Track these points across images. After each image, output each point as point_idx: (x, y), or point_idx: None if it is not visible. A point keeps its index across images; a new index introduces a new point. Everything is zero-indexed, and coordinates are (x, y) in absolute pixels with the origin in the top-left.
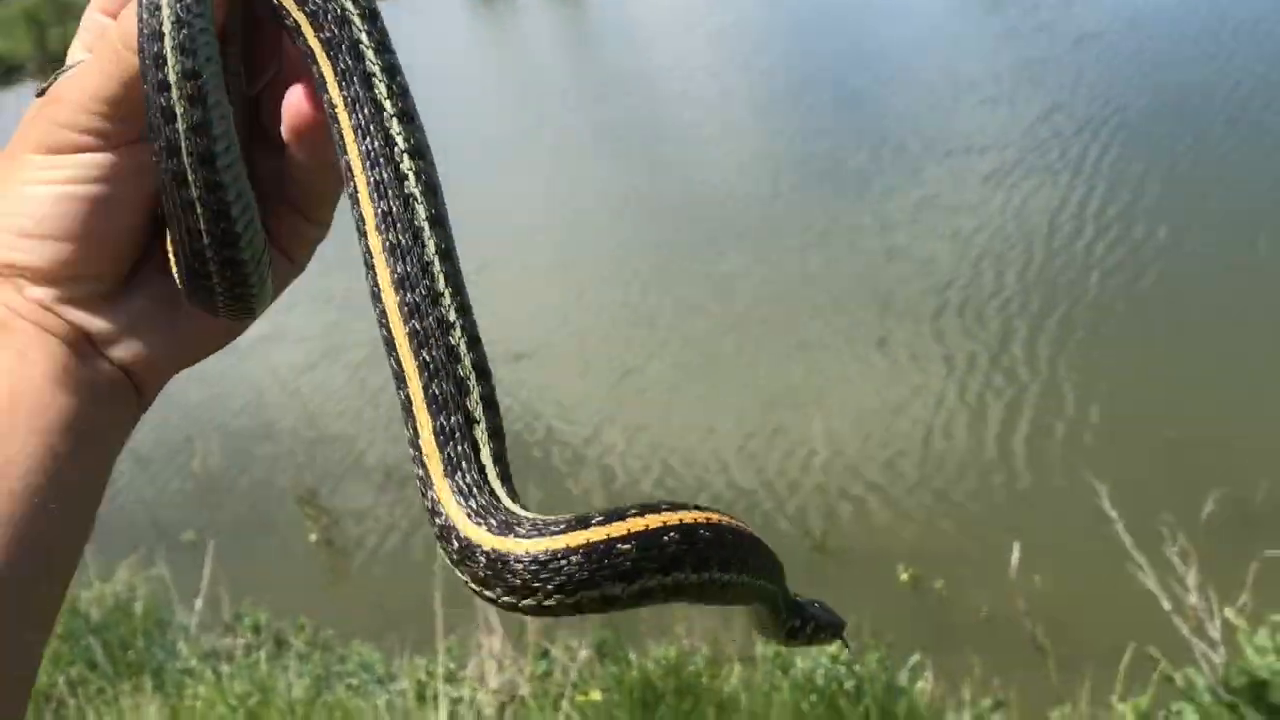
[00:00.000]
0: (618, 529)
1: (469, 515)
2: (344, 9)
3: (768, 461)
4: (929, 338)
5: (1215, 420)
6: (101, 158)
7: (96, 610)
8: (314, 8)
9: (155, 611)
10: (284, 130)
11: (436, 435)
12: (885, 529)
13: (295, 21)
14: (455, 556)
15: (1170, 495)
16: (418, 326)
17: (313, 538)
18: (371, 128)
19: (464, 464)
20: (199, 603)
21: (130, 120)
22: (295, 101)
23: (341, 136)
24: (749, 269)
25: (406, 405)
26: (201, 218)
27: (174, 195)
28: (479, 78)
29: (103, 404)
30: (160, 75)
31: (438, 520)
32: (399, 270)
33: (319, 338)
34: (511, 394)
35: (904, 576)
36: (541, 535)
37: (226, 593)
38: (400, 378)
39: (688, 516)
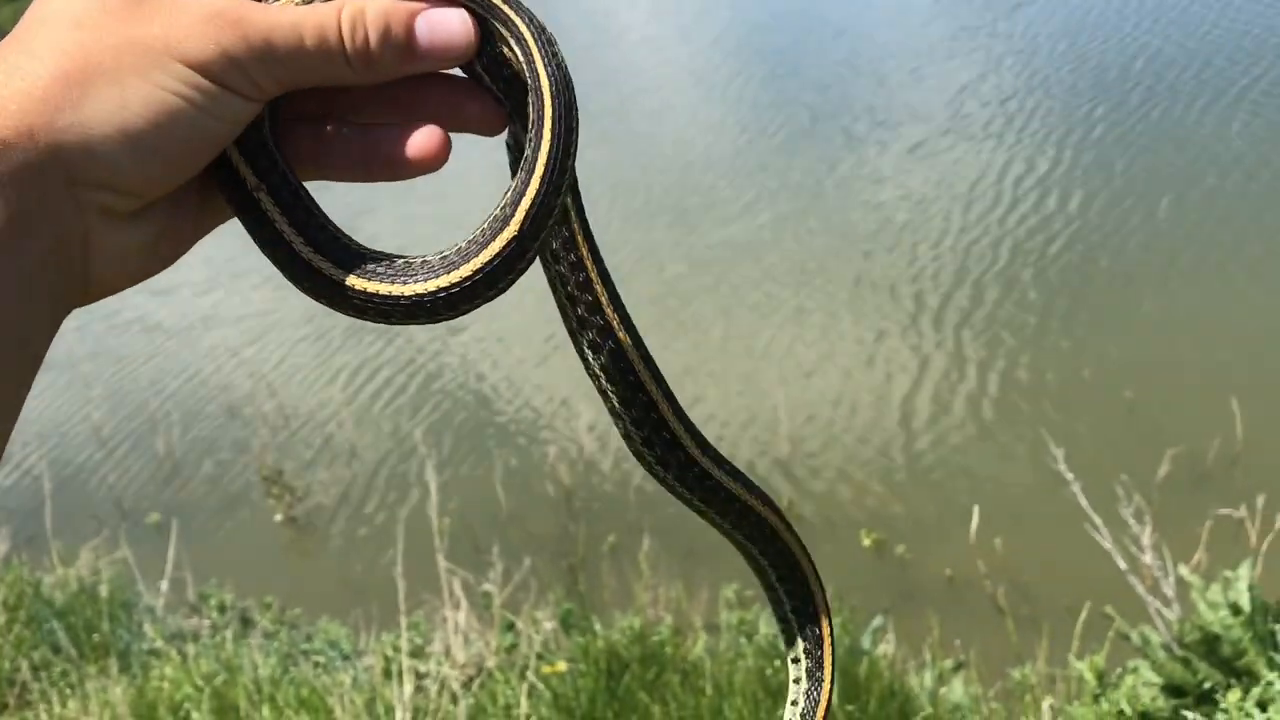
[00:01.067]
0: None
1: None
2: None
3: (730, 431)
4: (888, 305)
5: (1169, 380)
6: (241, 107)
7: (60, 594)
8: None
9: (120, 594)
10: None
11: None
12: (848, 496)
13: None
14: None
15: (1126, 456)
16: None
17: (278, 517)
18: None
19: None
20: (164, 584)
21: (286, 89)
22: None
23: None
24: (704, 240)
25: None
26: None
27: None
28: None
29: (57, 304)
30: None
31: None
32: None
33: (272, 313)
34: (473, 372)
35: (866, 542)
36: None
37: (191, 574)
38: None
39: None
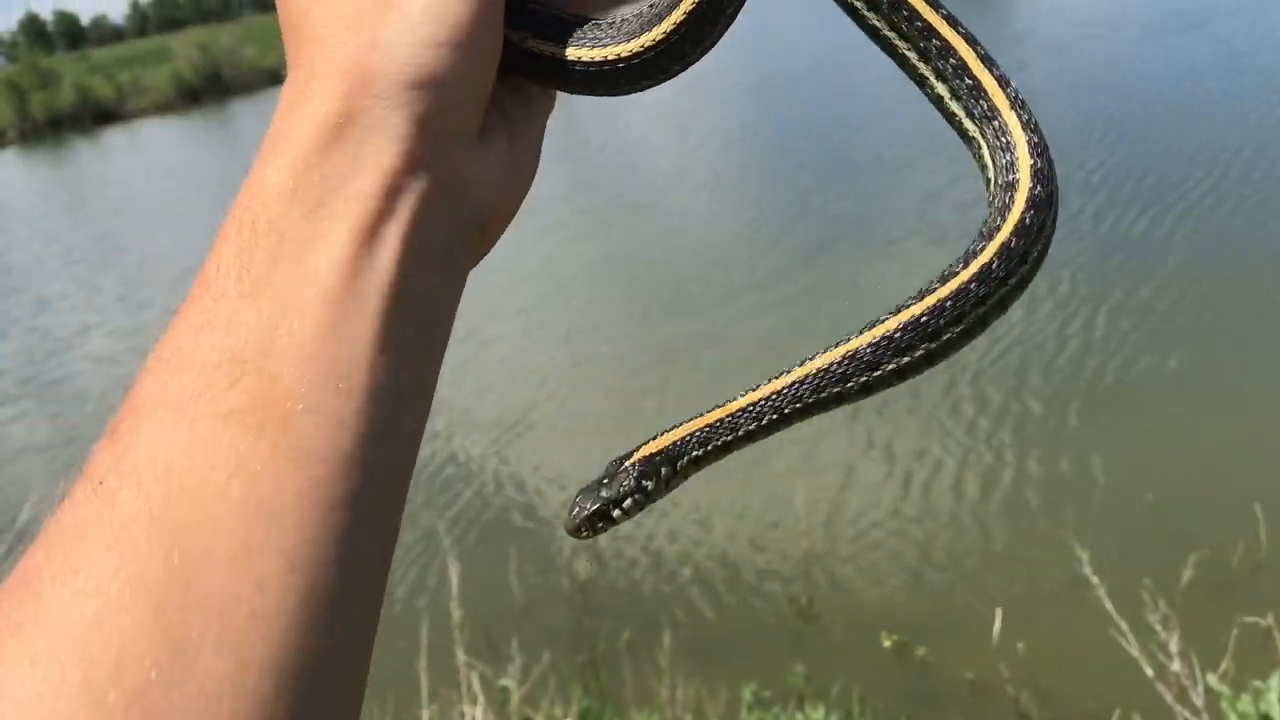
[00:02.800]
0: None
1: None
2: None
3: (750, 529)
4: (906, 405)
5: (1190, 484)
6: None
7: None
8: None
9: None
10: None
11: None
12: (868, 596)
13: None
14: None
15: (1150, 560)
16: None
17: None
18: None
19: None
20: None
21: None
22: None
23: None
24: (729, 332)
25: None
26: None
27: None
28: None
29: (458, 254)
30: None
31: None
32: None
33: None
34: (495, 461)
35: (887, 644)
36: None
37: None
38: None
39: None
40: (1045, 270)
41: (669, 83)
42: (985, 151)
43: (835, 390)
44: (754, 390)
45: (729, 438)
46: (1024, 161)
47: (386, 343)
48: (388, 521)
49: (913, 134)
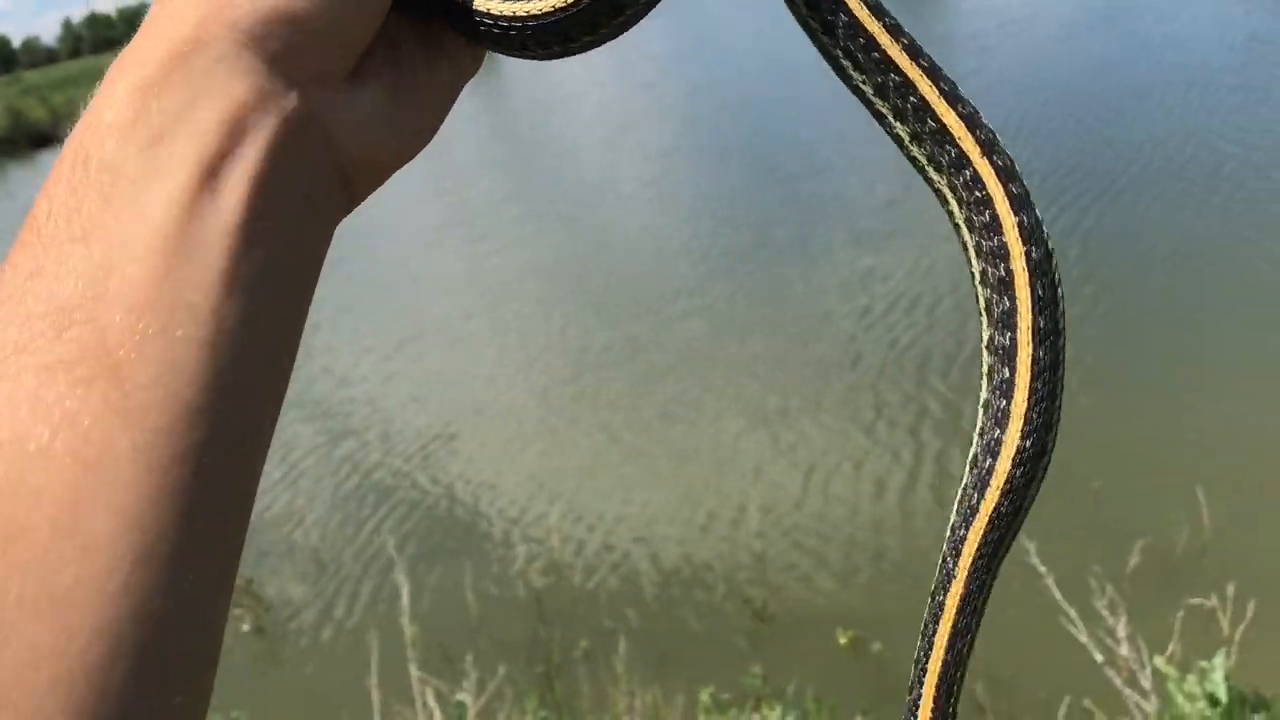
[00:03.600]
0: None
1: None
2: None
3: (704, 531)
4: (856, 401)
5: (1135, 471)
6: None
7: None
8: None
9: None
10: None
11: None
12: (822, 595)
13: None
14: None
15: (1097, 547)
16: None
17: (245, 627)
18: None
19: None
20: None
21: None
22: None
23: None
24: (676, 339)
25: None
26: None
27: None
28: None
29: (319, 202)
30: None
31: None
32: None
33: None
34: (438, 473)
35: (843, 640)
36: None
37: None
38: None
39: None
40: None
41: (603, 92)
42: (956, 208)
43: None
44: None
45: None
46: (1008, 222)
47: (232, 289)
48: (240, 479)
49: (841, 138)
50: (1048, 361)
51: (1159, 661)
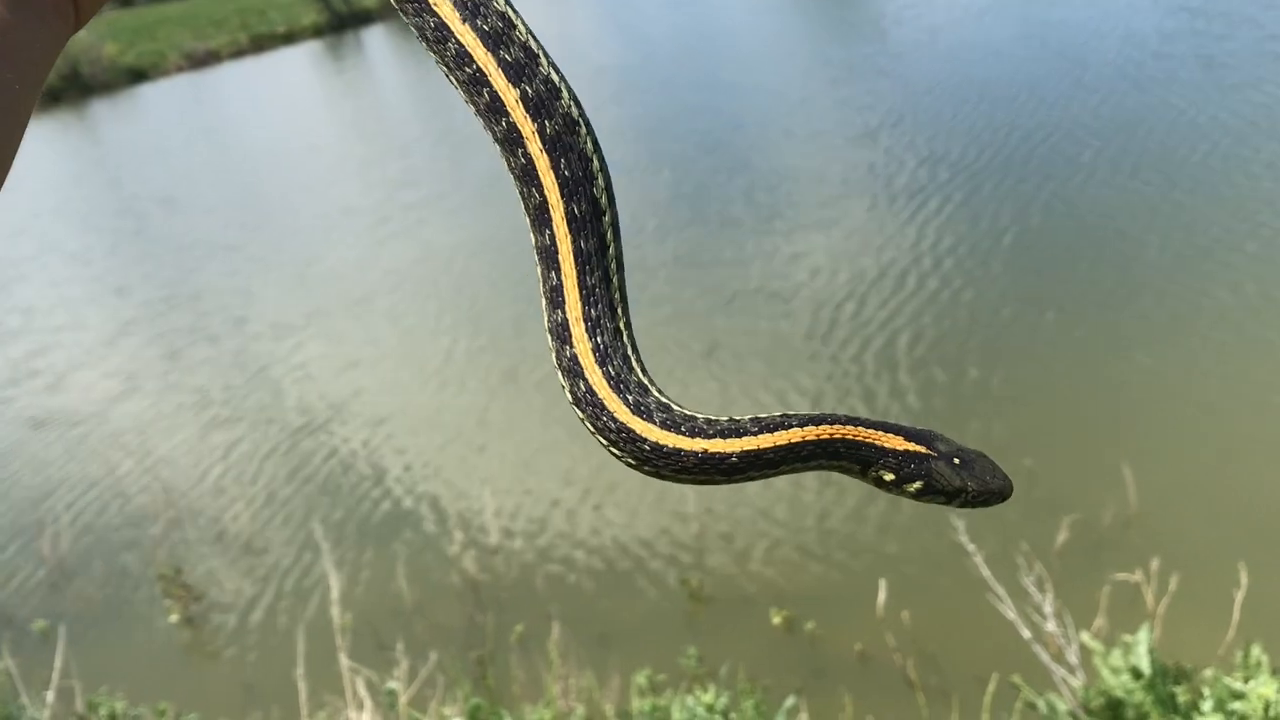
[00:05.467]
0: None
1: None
2: None
3: (638, 514)
4: (792, 383)
5: (1063, 449)
6: None
7: None
8: None
9: (2, 708)
10: None
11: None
12: (757, 575)
13: None
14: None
15: (1025, 524)
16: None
17: (174, 618)
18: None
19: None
20: (50, 695)
21: None
22: None
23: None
24: None
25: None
26: None
27: None
28: (332, 130)
29: (44, 18)
30: None
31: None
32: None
33: (163, 405)
34: (370, 461)
35: (776, 620)
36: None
37: (80, 682)
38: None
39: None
40: (911, 247)
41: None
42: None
43: None
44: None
45: None
46: (509, 98)
47: None
48: None
49: (771, 116)
50: (593, 249)
51: (1085, 636)
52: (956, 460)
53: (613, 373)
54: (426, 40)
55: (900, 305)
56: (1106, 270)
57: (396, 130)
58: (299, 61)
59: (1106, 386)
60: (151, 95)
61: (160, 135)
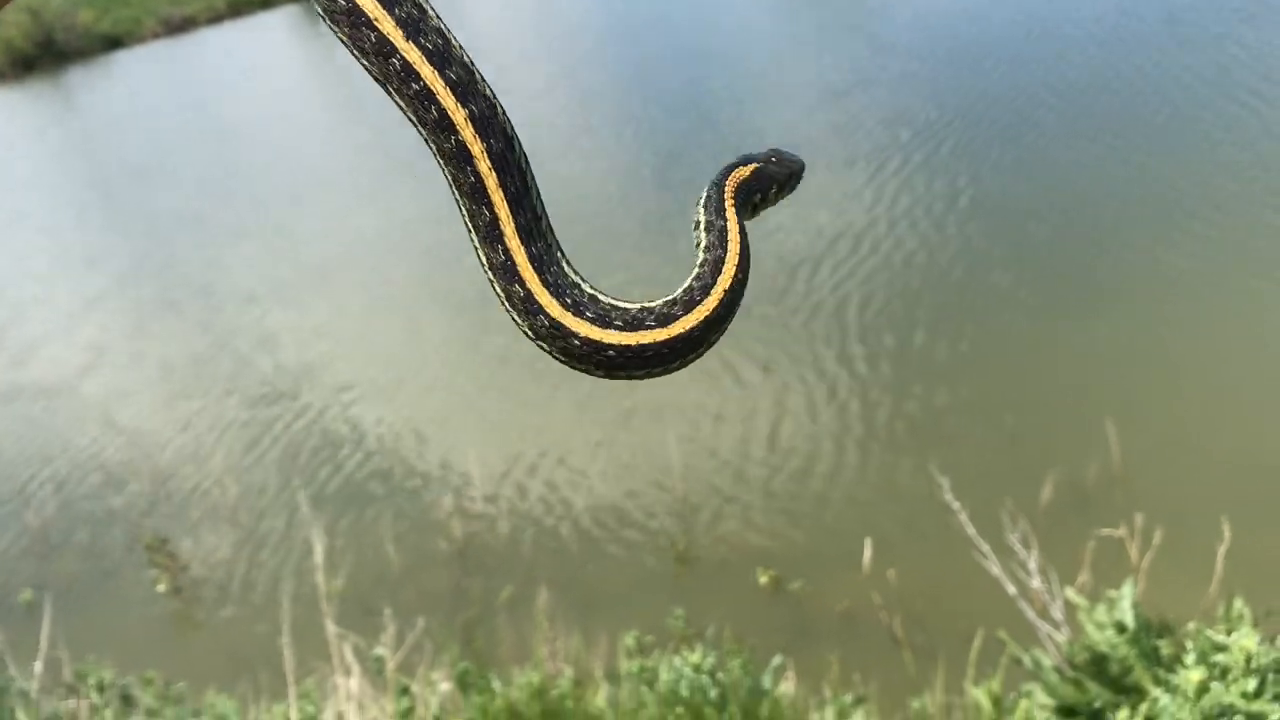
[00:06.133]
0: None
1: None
2: None
3: (624, 479)
4: (776, 346)
5: (1047, 407)
6: None
7: None
8: None
9: None
10: None
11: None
12: (742, 536)
13: None
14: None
15: (1009, 481)
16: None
17: (161, 587)
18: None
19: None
20: (38, 665)
21: None
22: None
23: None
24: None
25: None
26: None
27: None
28: (305, 97)
29: None
30: None
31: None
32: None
33: (143, 374)
34: (355, 428)
35: (763, 580)
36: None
37: (68, 652)
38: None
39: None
40: (894, 207)
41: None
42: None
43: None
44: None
45: None
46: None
47: None
48: None
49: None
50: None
51: (1070, 592)
52: (774, 160)
53: (551, 280)
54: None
55: (855, 268)
56: (1093, 230)
57: (370, 97)
58: (276, 27)
59: (1091, 344)
60: (127, 62)
61: (134, 103)
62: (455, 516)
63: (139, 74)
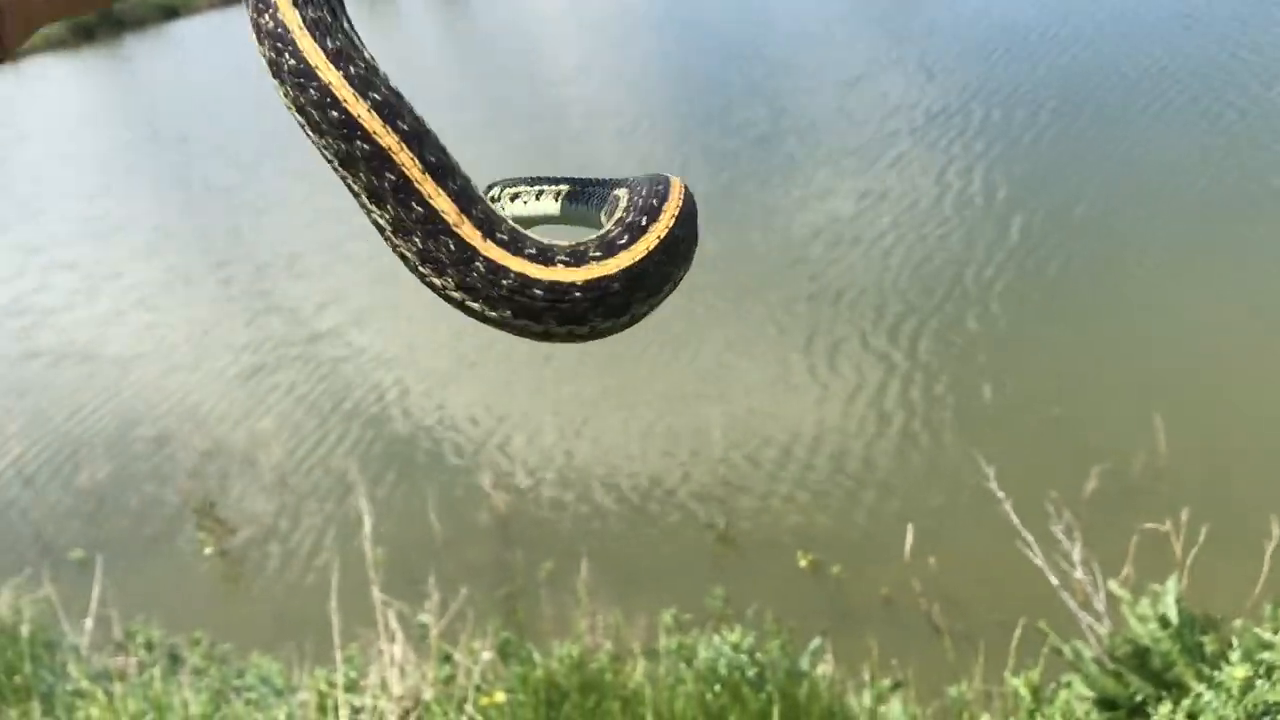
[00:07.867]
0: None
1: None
2: None
3: (667, 456)
4: (821, 328)
5: (1093, 397)
6: None
7: None
8: None
9: (42, 634)
10: None
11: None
12: (784, 518)
13: None
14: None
15: (1054, 473)
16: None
17: (208, 550)
18: None
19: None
20: (89, 622)
21: None
22: None
23: None
24: None
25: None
26: None
27: None
28: None
29: None
30: None
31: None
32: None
33: (198, 341)
34: (402, 399)
35: (803, 563)
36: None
37: (117, 611)
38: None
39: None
40: (949, 195)
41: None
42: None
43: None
44: None
45: None
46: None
47: None
48: None
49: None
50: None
51: (1113, 585)
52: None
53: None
54: None
55: (906, 251)
56: (1143, 221)
57: (415, 73)
58: None
59: (1138, 336)
60: (183, 31)
61: (184, 71)
62: (499, 490)
63: (193, 43)
